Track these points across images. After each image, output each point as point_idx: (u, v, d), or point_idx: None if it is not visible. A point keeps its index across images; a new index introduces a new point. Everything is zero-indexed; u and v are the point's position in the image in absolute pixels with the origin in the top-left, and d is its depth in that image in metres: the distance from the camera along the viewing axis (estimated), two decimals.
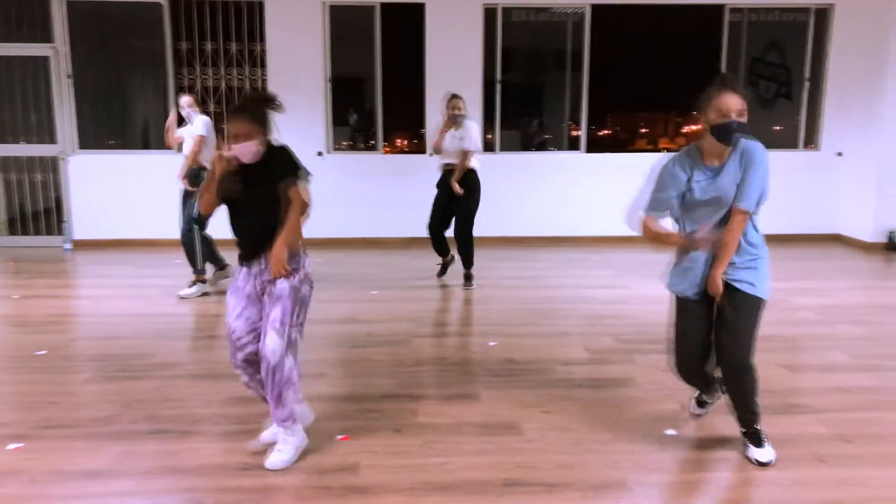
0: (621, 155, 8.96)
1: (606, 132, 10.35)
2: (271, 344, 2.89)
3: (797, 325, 5.05)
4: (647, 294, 6.02)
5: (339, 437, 3.25)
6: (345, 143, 9.09)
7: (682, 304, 3.08)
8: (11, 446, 3.17)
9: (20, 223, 8.49)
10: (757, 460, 3.00)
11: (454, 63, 8.12)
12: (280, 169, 2.93)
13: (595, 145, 8.95)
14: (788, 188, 8.36)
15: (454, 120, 6.09)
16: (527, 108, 9.95)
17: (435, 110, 7.97)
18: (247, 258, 3.02)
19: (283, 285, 2.94)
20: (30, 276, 6.94)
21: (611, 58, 8.67)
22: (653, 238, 2.99)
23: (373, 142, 8.82)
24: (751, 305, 2.93)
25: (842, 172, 8.58)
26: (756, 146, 2.87)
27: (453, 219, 6.28)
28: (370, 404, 3.65)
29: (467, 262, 6.31)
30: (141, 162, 8.34)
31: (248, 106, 2.95)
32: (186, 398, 3.74)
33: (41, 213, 8.47)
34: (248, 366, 3.05)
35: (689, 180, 2.92)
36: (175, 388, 3.88)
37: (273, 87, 8.04)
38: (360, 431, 3.31)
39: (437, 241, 6.40)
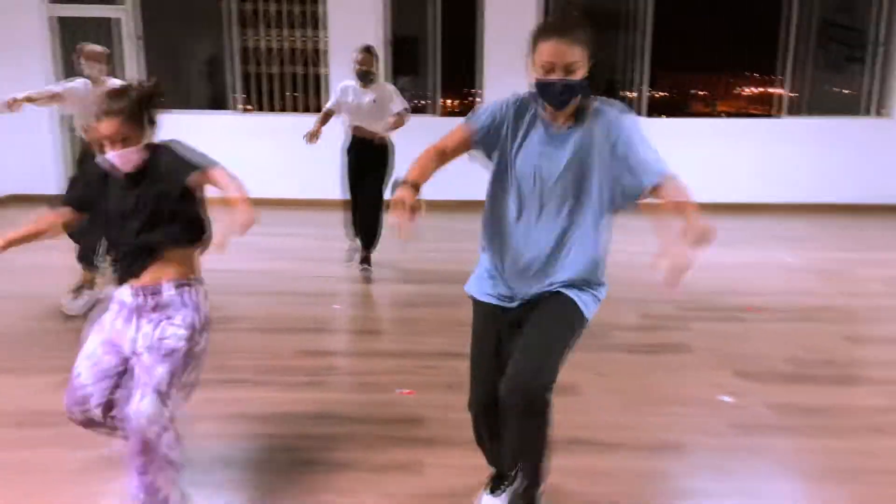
0: (679, 120, 8.84)
1: (663, 94, 10.08)
2: (147, 409, 2.08)
3: (862, 297, 4.98)
4: (706, 262, 5.96)
5: (401, 391, 3.37)
6: None
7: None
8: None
9: None
10: None
11: (511, 23, 8.01)
12: (174, 172, 2.18)
13: (652, 109, 8.76)
14: (857, 156, 8.11)
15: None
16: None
17: (491, 71, 8.00)
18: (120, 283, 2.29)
19: (177, 336, 2.19)
20: None
21: (672, 16, 8.44)
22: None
23: (423, 102, 8.82)
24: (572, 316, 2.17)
25: None
26: (621, 114, 2.04)
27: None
28: (427, 361, 3.76)
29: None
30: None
31: (125, 104, 2.18)
32: (254, 349, 3.92)
33: None
34: (91, 424, 2.30)
35: (508, 124, 2.08)
36: (243, 340, 4.05)
37: (334, 49, 8.10)
38: (418, 386, 3.43)
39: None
